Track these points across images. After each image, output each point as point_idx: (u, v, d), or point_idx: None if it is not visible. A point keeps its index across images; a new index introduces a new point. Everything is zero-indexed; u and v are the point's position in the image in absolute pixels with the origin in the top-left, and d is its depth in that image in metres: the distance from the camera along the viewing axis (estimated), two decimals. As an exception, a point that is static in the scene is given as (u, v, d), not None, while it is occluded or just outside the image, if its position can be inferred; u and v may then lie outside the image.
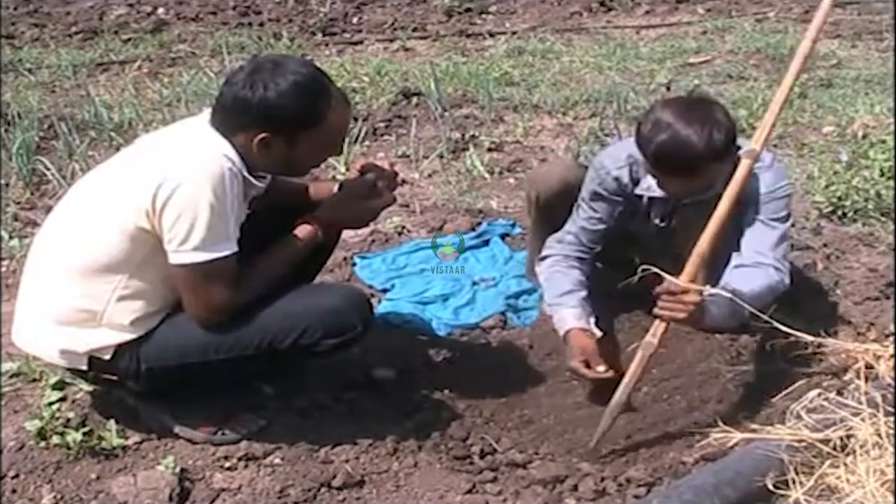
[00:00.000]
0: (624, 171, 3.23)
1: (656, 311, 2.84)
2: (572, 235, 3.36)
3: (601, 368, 3.08)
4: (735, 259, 3.07)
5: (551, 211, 3.47)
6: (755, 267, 3.02)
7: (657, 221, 3.30)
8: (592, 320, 3.23)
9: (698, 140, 2.84)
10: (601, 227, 3.32)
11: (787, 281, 3.09)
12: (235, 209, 2.64)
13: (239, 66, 2.78)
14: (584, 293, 3.27)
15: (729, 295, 2.85)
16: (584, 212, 3.33)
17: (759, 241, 3.07)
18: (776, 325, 2.89)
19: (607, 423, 2.91)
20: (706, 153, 2.85)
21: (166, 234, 2.59)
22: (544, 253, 3.41)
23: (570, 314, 3.21)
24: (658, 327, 2.87)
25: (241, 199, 2.68)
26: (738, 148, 2.99)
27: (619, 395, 2.90)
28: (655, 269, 2.85)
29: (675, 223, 3.23)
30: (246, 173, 2.69)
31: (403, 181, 4.81)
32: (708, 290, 2.83)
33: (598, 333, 3.20)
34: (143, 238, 2.62)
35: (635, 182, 3.24)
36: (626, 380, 2.90)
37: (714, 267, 3.01)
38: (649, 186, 3.20)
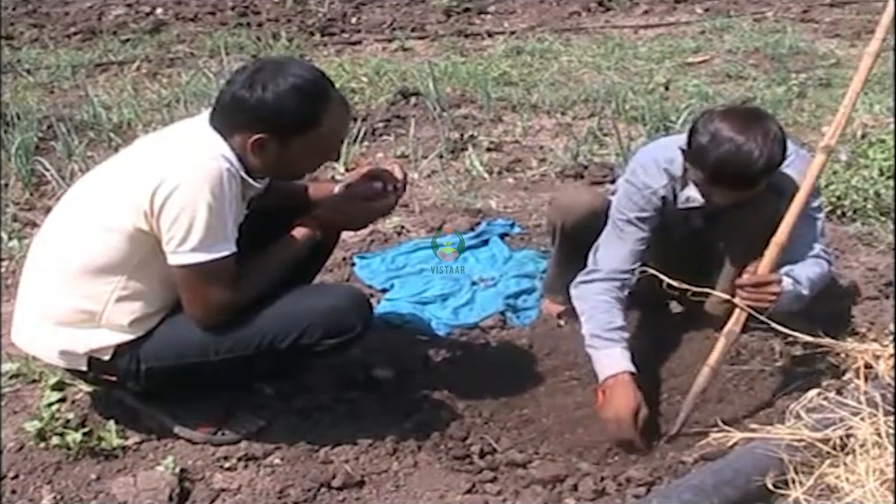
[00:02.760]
0: (668, 188, 3.16)
1: (740, 301, 2.90)
2: (621, 259, 3.17)
3: (636, 431, 2.94)
4: (788, 252, 3.07)
5: (577, 239, 3.35)
6: (808, 258, 3.08)
7: (699, 224, 3.26)
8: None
9: (759, 155, 2.83)
10: (647, 245, 3.21)
11: (831, 266, 3.20)
12: (234, 210, 2.64)
13: (241, 67, 2.78)
14: (628, 332, 3.13)
15: (791, 282, 2.94)
16: (632, 233, 3.17)
17: (805, 235, 3.08)
18: (775, 326, 2.90)
19: (689, 409, 2.98)
20: (767, 167, 2.86)
21: (164, 235, 2.59)
22: (591, 276, 3.19)
23: (623, 354, 3.04)
24: (740, 316, 2.93)
25: (239, 199, 2.68)
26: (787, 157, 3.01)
27: (703, 381, 2.97)
28: (652, 271, 2.92)
29: (719, 222, 3.20)
30: (244, 174, 2.69)
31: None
32: (786, 280, 2.92)
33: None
34: (141, 239, 2.62)
35: (675, 196, 3.18)
36: (706, 369, 2.96)
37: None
38: (688, 198, 3.15)
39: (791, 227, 2.89)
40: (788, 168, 3.01)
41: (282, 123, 2.64)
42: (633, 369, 3.00)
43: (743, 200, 2.99)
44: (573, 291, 3.23)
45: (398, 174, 3.01)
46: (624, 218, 3.18)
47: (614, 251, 3.18)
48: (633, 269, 3.17)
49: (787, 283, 2.94)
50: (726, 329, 2.95)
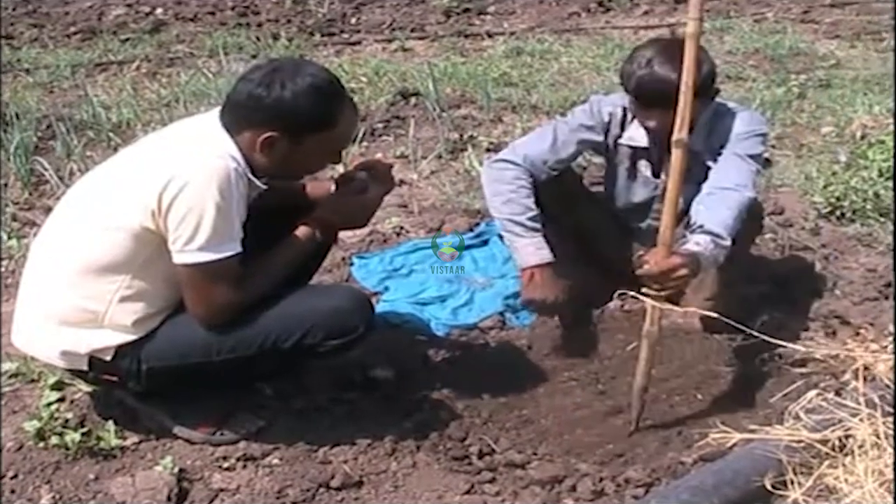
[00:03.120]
0: (618, 110, 3.36)
1: (650, 292, 2.81)
2: (540, 152, 3.36)
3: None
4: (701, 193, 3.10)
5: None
6: (713, 195, 3.05)
7: (647, 173, 3.41)
8: None
9: (673, 69, 2.86)
10: (568, 161, 3.44)
11: (750, 193, 3.12)
12: (240, 210, 2.64)
13: (256, 65, 2.78)
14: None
15: (709, 238, 2.88)
16: (562, 139, 3.37)
17: (723, 175, 3.11)
18: (771, 339, 2.91)
19: (637, 406, 2.99)
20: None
21: (171, 234, 2.59)
22: (509, 160, 3.34)
23: (544, 245, 3.28)
24: (654, 312, 2.86)
25: (245, 199, 2.68)
26: (717, 92, 3.16)
27: (639, 380, 2.96)
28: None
29: (664, 177, 3.24)
30: (249, 174, 2.69)
31: (402, 182, 4.81)
32: (690, 249, 2.84)
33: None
34: (147, 238, 2.62)
35: (622, 128, 3.37)
36: (640, 367, 2.94)
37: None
38: (632, 136, 3.34)
39: (679, 186, 2.72)
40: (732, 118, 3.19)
41: (297, 122, 2.65)
42: (552, 259, 3.28)
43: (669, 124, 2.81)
44: (489, 167, 3.42)
45: (382, 162, 3.11)
46: (565, 121, 3.43)
47: (538, 143, 3.38)
48: (546, 173, 3.35)
49: (704, 241, 2.87)
50: (644, 330, 2.91)
